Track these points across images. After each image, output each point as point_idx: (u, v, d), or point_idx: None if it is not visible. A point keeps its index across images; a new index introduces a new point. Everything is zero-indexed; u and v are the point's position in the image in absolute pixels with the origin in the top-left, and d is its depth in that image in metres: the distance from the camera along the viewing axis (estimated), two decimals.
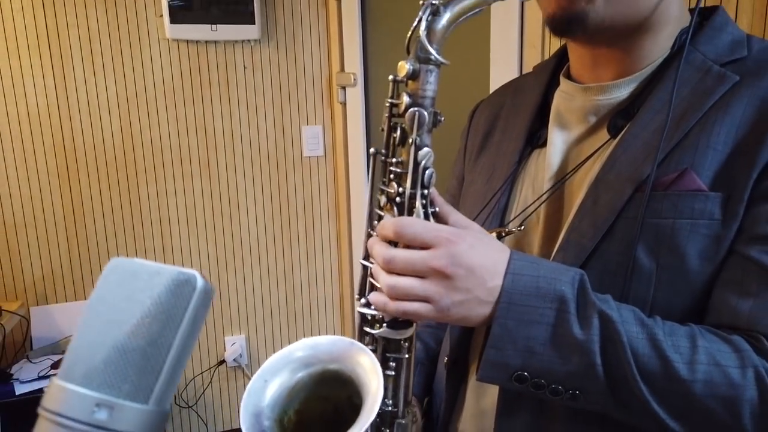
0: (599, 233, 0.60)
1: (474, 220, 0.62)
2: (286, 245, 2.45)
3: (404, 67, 0.51)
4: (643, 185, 0.58)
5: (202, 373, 2.42)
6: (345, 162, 2.37)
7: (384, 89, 2.13)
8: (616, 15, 0.59)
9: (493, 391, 0.67)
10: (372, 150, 0.56)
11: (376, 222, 0.57)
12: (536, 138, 0.71)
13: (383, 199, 0.56)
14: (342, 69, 2.27)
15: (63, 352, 2.05)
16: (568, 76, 0.71)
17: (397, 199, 0.54)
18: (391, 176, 0.55)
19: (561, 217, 0.66)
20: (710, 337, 0.54)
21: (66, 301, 2.20)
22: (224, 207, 2.35)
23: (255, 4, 2.16)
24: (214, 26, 2.14)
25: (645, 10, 0.61)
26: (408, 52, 0.52)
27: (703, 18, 0.64)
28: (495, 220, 0.71)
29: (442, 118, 0.54)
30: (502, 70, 1.59)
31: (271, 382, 0.49)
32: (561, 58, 0.75)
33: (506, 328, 0.53)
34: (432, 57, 0.51)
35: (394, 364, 0.57)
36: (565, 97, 0.70)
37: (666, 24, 0.63)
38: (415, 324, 0.57)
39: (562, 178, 0.67)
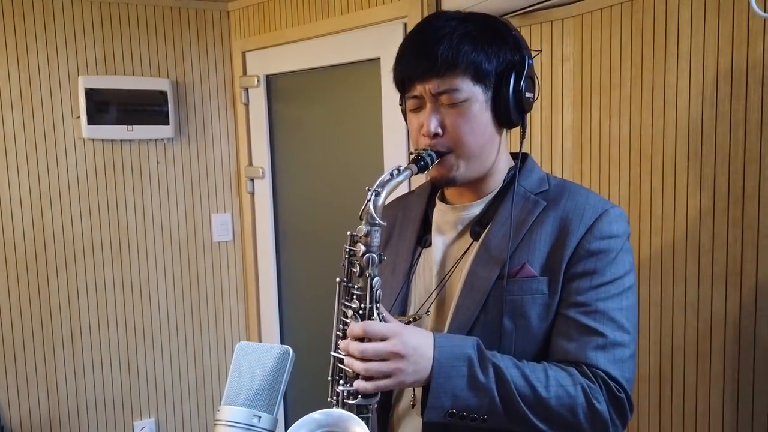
0: (477, 309, 0.92)
1: (387, 308, 0.92)
2: (196, 326, 2.58)
3: (362, 229, 0.82)
4: (502, 274, 0.91)
5: None
6: (253, 246, 2.59)
7: (290, 181, 2.47)
8: (472, 173, 0.96)
9: (411, 428, 0.96)
10: (338, 279, 0.85)
11: (341, 325, 0.86)
12: (423, 241, 1.05)
13: (349, 312, 0.85)
14: (250, 163, 2.54)
15: None
16: (442, 199, 1.06)
17: (360, 311, 0.83)
18: (354, 296, 0.84)
19: (446, 301, 0.98)
20: (555, 369, 0.86)
21: None
22: (135, 291, 2.44)
23: (169, 106, 2.38)
24: (130, 127, 2.32)
25: (487, 167, 0.97)
26: (361, 219, 0.83)
27: (521, 160, 1.00)
28: (400, 306, 1.02)
29: (385, 258, 0.85)
30: None
31: None
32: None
33: (439, 383, 0.82)
34: (377, 222, 0.83)
35: (363, 421, 0.84)
36: (440, 213, 1.04)
37: (498, 169, 0.99)
38: (379, 394, 0.84)
39: (445, 274, 0.99)
